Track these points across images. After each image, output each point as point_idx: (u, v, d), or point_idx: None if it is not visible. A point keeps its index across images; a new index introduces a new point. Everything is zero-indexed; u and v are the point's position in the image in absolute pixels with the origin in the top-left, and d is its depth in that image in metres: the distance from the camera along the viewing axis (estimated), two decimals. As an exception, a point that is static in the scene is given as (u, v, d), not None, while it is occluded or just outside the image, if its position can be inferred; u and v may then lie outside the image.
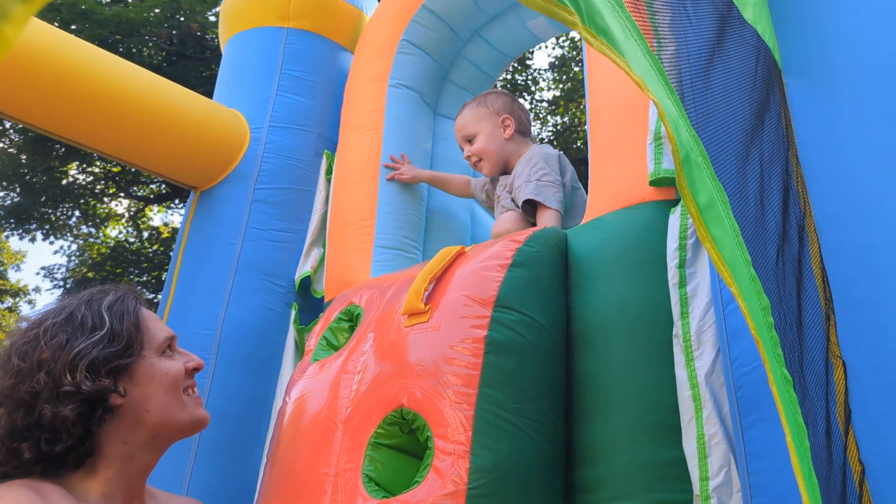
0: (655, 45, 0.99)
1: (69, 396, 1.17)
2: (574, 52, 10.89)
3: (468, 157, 2.35)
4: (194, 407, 1.35)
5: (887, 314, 1.03)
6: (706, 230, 0.79)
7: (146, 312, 1.35)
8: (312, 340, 1.86)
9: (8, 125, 10.26)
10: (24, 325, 1.28)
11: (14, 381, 1.18)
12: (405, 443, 1.48)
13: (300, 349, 2.06)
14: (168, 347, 1.35)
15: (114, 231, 12.68)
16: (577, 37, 11.25)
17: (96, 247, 12.42)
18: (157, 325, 1.35)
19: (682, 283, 1.50)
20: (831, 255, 1.10)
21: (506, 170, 2.32)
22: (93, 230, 12.38)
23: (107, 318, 1.27)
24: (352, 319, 1.85)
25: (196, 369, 1.39)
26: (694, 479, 1.36)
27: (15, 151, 10.37)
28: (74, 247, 12.52)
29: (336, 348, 1.80)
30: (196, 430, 1.35)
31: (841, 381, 1.03)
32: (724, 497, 1.32)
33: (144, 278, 11.68)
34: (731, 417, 1.29)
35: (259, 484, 1.79)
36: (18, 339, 1.24)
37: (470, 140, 2.33)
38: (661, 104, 0.75)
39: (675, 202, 1.61)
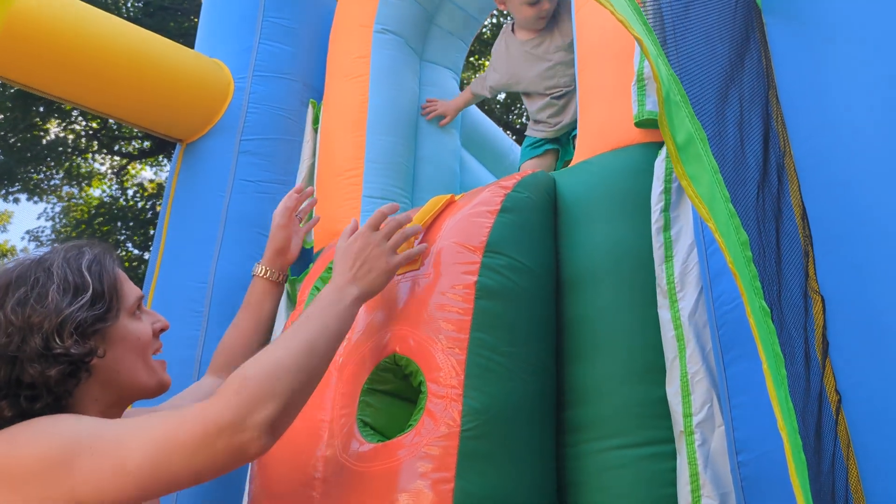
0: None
1: (57, 358, 1.18)
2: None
3: (546, 9, 2.47)
4: (159, 371, 1.38)
5: (865, 250, 1.06)
6: (682, 167, 0.81)
7: (120, 272, 1.36)
8: (305, 291, 1.88)
9: (-15, 82, 10.07)
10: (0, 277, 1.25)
11: (5, 339, 1.17)
12: (399, 388, 1.51)
13: (292, 299, 2.08)
14: (137, 308, 1.36)
15: (97, 191, 12.56)
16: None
17: (80, 207, 12.33)
18: (129, 286, 1.36)
19: (667, 227, 1.52)
20: (811, 192, 1.12)
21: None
22: (75, 191, 12.27)
23: (89, 279, 1.27)
24: (342, 269, 1.86)
25: (162, 330, 1.41)
26: (677, 415, 1.39)
27: (-6, 109, 10.19)
28: (58, 208, 12.42)
29: (328, 298, 1.82)
30: (158, 393, 1.38)
31: (819, 314, 1.06)
32: (706, 432, 1.36)
33: (132, 234, 11.63)
34: (714, 354, 1.33)
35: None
36: (1, 297, 1.22)
37: None
38: (644, 42, 0.76)
39: (662, 145, 1.62)
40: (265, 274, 1.91)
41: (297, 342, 1.25)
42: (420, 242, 1.60)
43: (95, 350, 1.23)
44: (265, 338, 1.86)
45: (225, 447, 1.10)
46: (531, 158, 2.64)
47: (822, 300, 1.06)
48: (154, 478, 1.07)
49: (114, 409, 1.31)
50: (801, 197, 1.10)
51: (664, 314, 1.47)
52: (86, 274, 1.27)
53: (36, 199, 11.79)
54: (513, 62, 2.62)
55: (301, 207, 2.04)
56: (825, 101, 1.14)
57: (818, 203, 1.11)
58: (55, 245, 1.36)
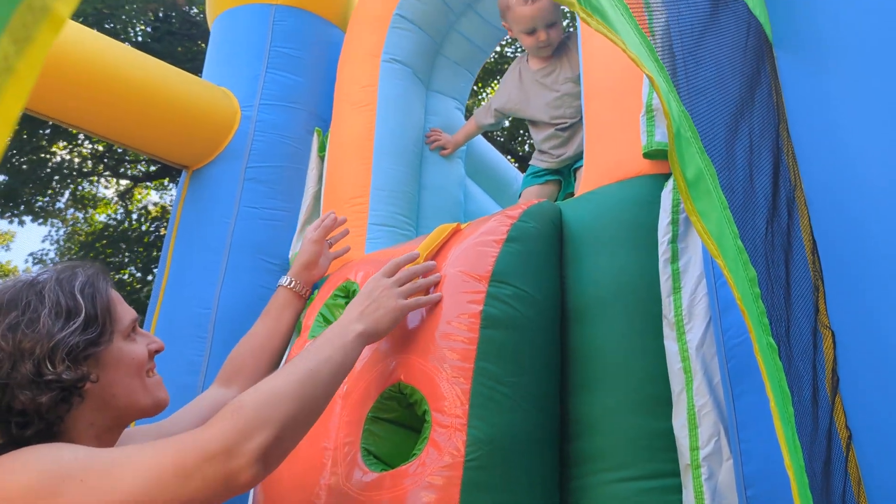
0: (647, 16, 1.00)
1: (48, 384, 1.16)
2: (565, 23, 10.81)
3: (541, 41, 2.51)
4: (156, 389, 1.35)
5: (877, 285, 1.05)
6: (692, 204, 0.81)
7: (114, 294, 1.34)
8: (311, 318, 1.87)
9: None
10: None
11: None
12: (403, 417, 1.50)
13: (297, 326, 2.08)
14: (132, 330, 1.34)
15: (102, 216, 12.60)
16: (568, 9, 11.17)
17: (85, 232, 12.36)
18: (123, 308, 1.34)
19: (675, 258, 1.52)
20: (822, 227, 1.12)
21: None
22: (80, 215, 12.30)
23: (81, 302, 1.24)
24: (348, 295, 1.87)
25: (157, 351, 1.38)
26: (683, 448, 1.38)
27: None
28: (63, 232, 12.46)
29: (332, 325, 1.82)
30: (156, 412, 1.36)
31: (830, 350, 1.05)
32: (714, 466, 1.35)
33: (135, 258, 11.63)
34: (723, 387, 1.32)
35: (258, 459, 1.81)
36: None
37: (551, 25, 2.50)
38: (654, 79, 0.77)
39: (668, 176, 1.62)
40: (290, 284, 1.91)
41: (297, 372, 1.24)
42: (426, 273, 1.60)
43: (88, 375, 1.21)
44: (279, 349, 1.85)
45: (216, 474, 1.08)
46: (533, 185, 2.65)
47: (833, 335, 1.05)
48: None
49: (111, 432, 1.29)
50: (811, 231, 1.09)
51: (671, 346, 1.46)
52: (78, 297, 1.25)
53: (40, 221, 11.82)
54: (523, 88, 2.64)
55: (333, 234, 2.04)
56: (836, 135, 1.14)
57: (829, 237, 1.10)
58: (49, 266, 1.34)
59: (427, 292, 1.56)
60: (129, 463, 1.08)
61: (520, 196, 2.73)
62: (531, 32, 2.50)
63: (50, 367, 1.16)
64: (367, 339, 1.42)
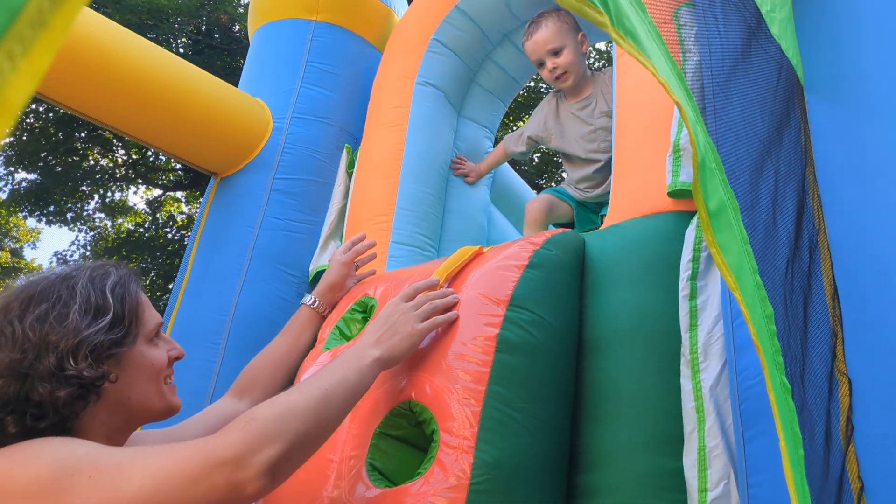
0: (681, 56, 1.01)
1: (68, 380, 1.17)
2: (599, 65, 10.89)
3: (553, 70, 2.50)
4: (170, 396, 1.36)
5: (897, 335, 1.04)
6: (713, 235, 0.81)
7: (143, 297, 1.35)
8: (325, 330, 1.88)
9: (33, 105, 10.36)
10: (24, 289, 1.25)
11: (19, 355, 1.16)
12: (411, 434, 1.50)
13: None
14: (156, 334, 1.35)
15: (130, 224, 12.78)
16: (602, 49, 11.26)
17: (110, 237, 12.53)
18: (150, 312, 1.35)
19: (693, 295, 1.51)
20: (845, 272, 1.11)
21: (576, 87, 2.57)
22: (107, 222, 12.49)
23: (111, 302, 1.26)
24: (366, 311, 1.87)
25: (177, 358, 1.40)
26: (692, 489, 1.36)
27: (38, 129, 10.46)
28: (89, 237, 12.64)
29: (348, 338, 1.82)
30: (167, 416, 1.36)
31: (846, 397, 1.04)
32: (722, 509, 1.33)
33: (159, 266, 11.74)
34: (735, 430, 1.30)
35: (263, 468, 1.81)
36: (21, 309, 1.21)
37: (556, 52, 2.48)
38: (683, 106, 0.77)
39: (693, 214, 1.62)
40: (313, 304, 1.92)
41: (311, 389, 1.24)
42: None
43: (108, 374, 1.22)
44: (296, 367, 1.86)
45: (224, 483, 1.08)
46: (551, 194, 2.67)
47: (850, 382, 1.04)
48: None
49: (121, 433, 1.30)
50: (833, 276, 1.08)
51: (686, 384, 1.45)
52: (108, 296, 1.27)
53: (69, 226, 12.00)
54: (559, 120, 2.66)
55: (362, 256, 2.05)
56: (864, 182, 1.13)
57: (852, 284, 1.09)
58: (82, 262, 1.36)
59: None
60: (138, 463, 1.09)
61: (537, 194, 2.75)
62: (541, 65, 2.53)
63: (72, 363, 1.18)
64: (384, 366, 1.42)
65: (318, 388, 1.24)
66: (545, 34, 2.46)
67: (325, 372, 1.31)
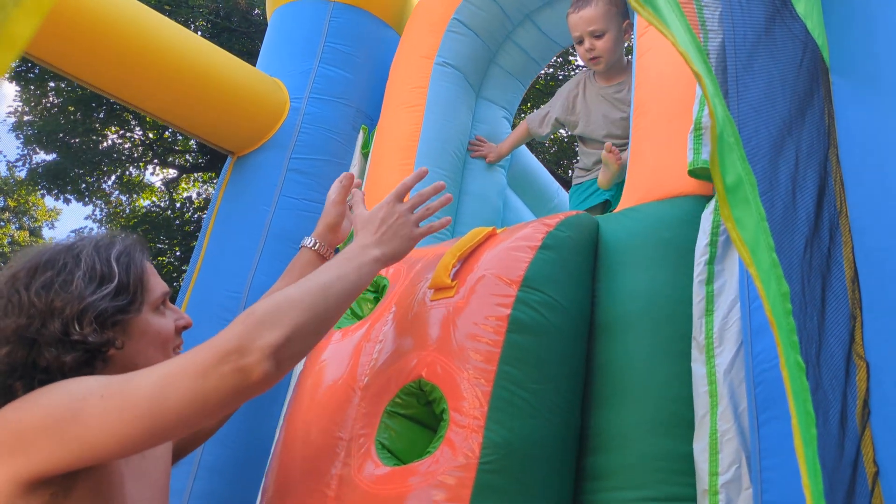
0: (702, 36, 0.99)
1: (74, 345, 1.19)
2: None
3: (589, 51, 2.46)
4: None
5: (918, 321, 1.02)
6: (729, 210, 0.80)
7: (149, 266, 1.37)
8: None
9: (52, 84, 10.42)
10: (30, 259, 1.27)
11: (26, 321, 1.18)
12: (421, 413, 1.49)
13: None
14: (162, 303, 1.36)
15: (146, 202, 12.85)
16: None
17: (126, 216, 12.61)
18: (156, 280, 1.36)
19: (710, 280, 1.49)
20: (866, 256, 1.09)
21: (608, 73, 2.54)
22: (123, 199, 12.56)
23: (116, 270, 1.27)
24: (377, 291, 1.87)
25: (185, 327, 1.41)
26: (702, 473, 1.35)
27: (58, 109, 10.52)
28: (106, 213, 12.73)
29: (360, 318, 1.82)
30: None
31: (863, 381, 1.02)
32: (732, 493, 1.32)
33: (175, 245, 11.81)
34: (749, 413, 1.29)
35: (274, 445, 1.82)
36: (28, 278, 1.23)
37: (598, 36, 2.43)
38: (703, 78, 0.76)
39: (710, 198, 1.60)
40: (313, 245, 1.90)
41: (309, 284, 1.25)
42: (458, 270, 1.59)
43: (113, 341, 1.24)
44: None
45: (231, 371, 1.10)
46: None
47: (868, 367, 1.02)
48: (161, 407, 1.08)
49: None
50: (853, 259, 1.06)
51: (698, 369, 1.43)
52: (114, 264, 1.28)
53: (84, 201, 12.08)
54: (586, 103, 2.61)
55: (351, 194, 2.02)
56: (888, 165, 1.11)
57: (872, 268, 1.07)
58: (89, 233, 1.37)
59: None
60: (146, 372, 1.12)
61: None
62: (580, 42, 2.49)
63: (77, 328, 1.19)
64: (384, 264, 1.44)
65: (315, 283, 1.26)
66: (592, 13, 2.42)
67: (324, 268, 1.32)
